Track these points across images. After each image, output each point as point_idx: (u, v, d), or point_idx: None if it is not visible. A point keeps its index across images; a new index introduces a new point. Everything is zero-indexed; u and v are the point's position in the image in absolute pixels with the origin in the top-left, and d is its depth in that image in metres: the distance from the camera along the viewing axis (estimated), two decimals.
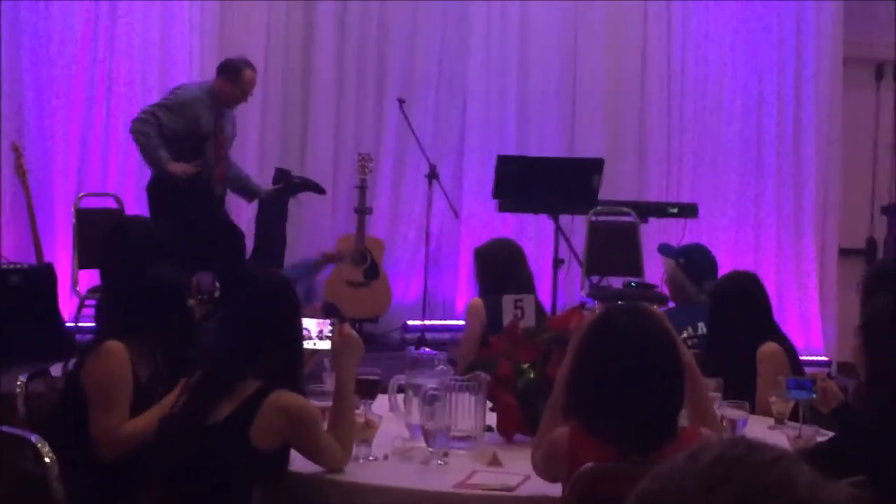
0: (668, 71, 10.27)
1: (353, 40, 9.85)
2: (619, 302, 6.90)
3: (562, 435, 3.46)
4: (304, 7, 9.78)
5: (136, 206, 8.68)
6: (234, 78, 8.21)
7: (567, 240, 9.00)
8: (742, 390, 4.83)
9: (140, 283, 4.44)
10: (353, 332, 4.06)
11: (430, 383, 4.17)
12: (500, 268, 6.08)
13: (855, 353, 4.15)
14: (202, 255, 6.72)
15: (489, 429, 4.35)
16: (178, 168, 7.89)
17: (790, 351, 5.43)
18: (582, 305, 8.09)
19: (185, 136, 8.05)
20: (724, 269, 6.73)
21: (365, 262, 9.26)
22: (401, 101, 9.53)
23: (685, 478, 1.39)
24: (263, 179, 9.15)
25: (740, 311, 5.42)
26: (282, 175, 8.90)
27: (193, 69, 9.39)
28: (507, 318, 4.76)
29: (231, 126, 8.39)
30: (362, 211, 9.23)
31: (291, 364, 3.78)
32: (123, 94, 9.17)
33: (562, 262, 8.80)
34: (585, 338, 3.50)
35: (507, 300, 4.89)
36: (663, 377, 3.39)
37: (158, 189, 8.00)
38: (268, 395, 3.64)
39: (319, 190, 8.97)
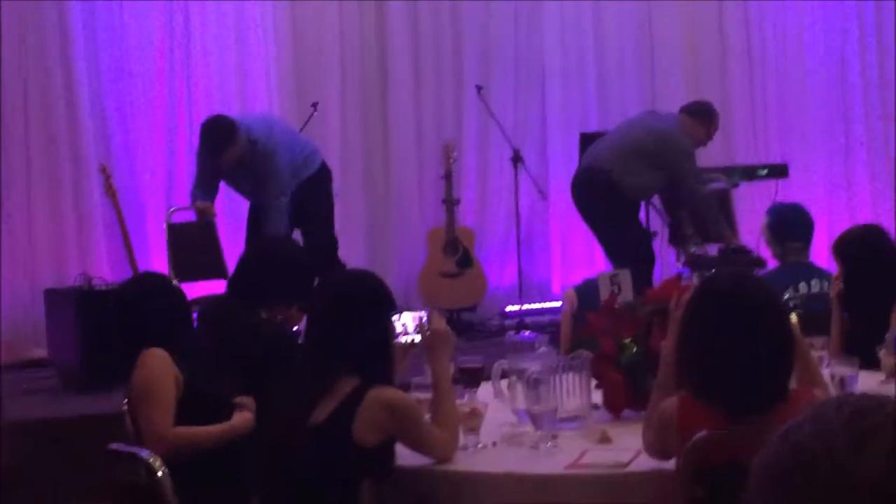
0: (747, 32, 10.15)
1: (427, 31, 9.80)
2: (716, 270, 6.82)
3: (671, 405, 3.44)
4: (376, 2, 9.75)
5: (226, 215, 8.73)
6: None
7: (658, 211, 8.91)
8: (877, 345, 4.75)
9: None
10: (443, 326, 4.04)
11: (533, 367, 4.13)
12: None
13: None
14: None
15: (596, 407, 4.31)
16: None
17: None
18: (679, 276, 8.02)
19: None
20: (819, 227, 6.62)
21: (457, 252, 9.24)
22: (479, 88, 9.51)
23: (826, 439, 1.36)
24: (348, 177, 9.21)
25: (867, 267, 5.34)
26: None
27: (271, 75, 9.42)
28: (603, 294, 4.71)
29: None
30: (450, 201, 9.21)
31: (384, 359, 3.78)
32: (203, 105, 9.22)
33: (654, 234, 8.72)
34: (691, 307, 3.49)
35: (603, 276, 4.84)
36: (772, 339, 3.38)
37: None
38: (367, 391, 3.63)
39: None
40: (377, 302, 3.83)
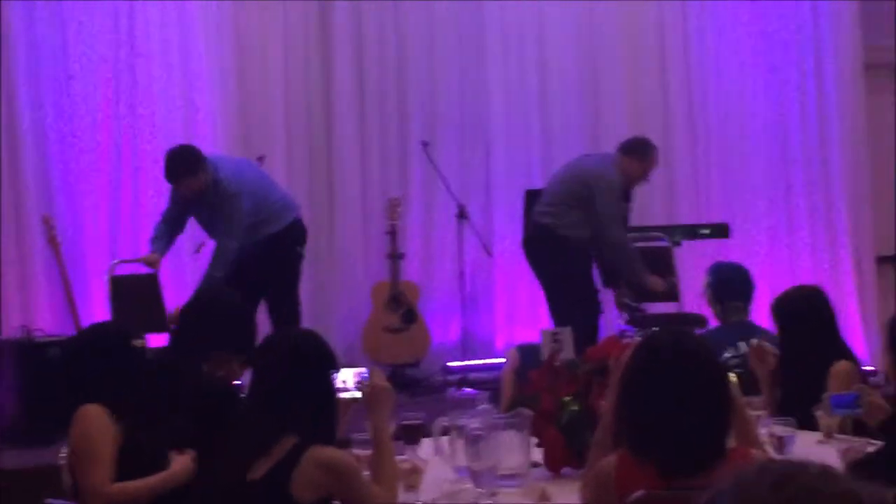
0: (689, 93, 10.26)
1: (372, 86, 9.83)
2: (658, 328, 6.86)
3: (609, 464, 3.44)
4: (321, 58, 9.77)
5: (170, 270, 8.70)
6: None
7: (601, 268, 8.96)
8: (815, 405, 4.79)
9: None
10: (383, 382, 4.05)
11: (473, 423, 4.14)
12: None
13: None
14: None
15: (535, 465, 4.32)
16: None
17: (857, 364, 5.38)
18: (621, 334, 8.06)
19: None
20: (761, 286, 6.66)
21: (401, 307, 9.25)
22: (424, 144, 9.55)
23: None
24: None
25: (806, 329, 5.38)
26: None
27: (216, 129, 9.42)
28: (545, 351, 4.73)
29: None
30: (395, 256, 9.22)
31: (326, 418, 3.77)
32: (149, 157, 9.18)
33: (597, 291, 8.75)
34: (630, 365, 3.50)
35: (546, 334, 4.86)
36: (710, 397, 3.38)
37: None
38: (305, 450, 3.62)
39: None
40: (318, 360, 3.82)
